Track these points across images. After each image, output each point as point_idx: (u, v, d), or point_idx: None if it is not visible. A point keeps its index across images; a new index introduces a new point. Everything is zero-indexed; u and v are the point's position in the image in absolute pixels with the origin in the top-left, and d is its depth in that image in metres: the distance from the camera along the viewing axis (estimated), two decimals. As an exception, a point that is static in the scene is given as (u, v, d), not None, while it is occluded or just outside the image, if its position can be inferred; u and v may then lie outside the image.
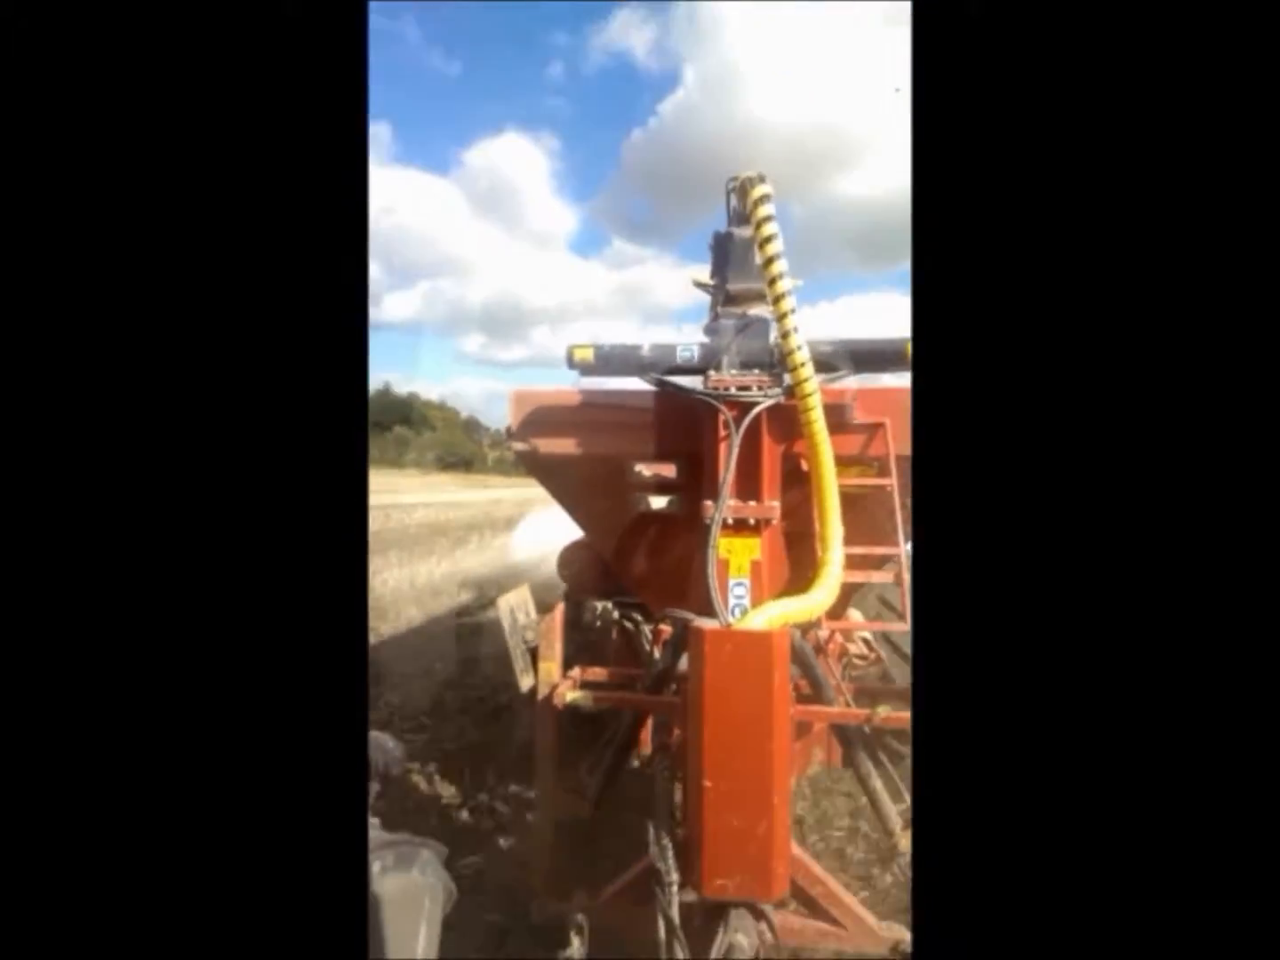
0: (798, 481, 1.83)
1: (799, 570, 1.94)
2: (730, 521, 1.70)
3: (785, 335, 1.56)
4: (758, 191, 1.61)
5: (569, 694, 1.77)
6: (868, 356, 1.81)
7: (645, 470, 2.35)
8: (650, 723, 1.91)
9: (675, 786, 1.59)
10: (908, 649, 2.03)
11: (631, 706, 1.77)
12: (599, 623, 2.56)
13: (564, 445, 2.08)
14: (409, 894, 0.80)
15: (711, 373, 1.78)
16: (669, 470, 2.29)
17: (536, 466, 2.22)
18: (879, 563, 1.86)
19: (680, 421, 1.89)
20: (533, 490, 3.15)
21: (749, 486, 1.74)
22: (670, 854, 1.37)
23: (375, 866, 0.76)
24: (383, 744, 1.13)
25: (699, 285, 2.31)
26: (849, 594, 2.09)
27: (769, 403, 1.71)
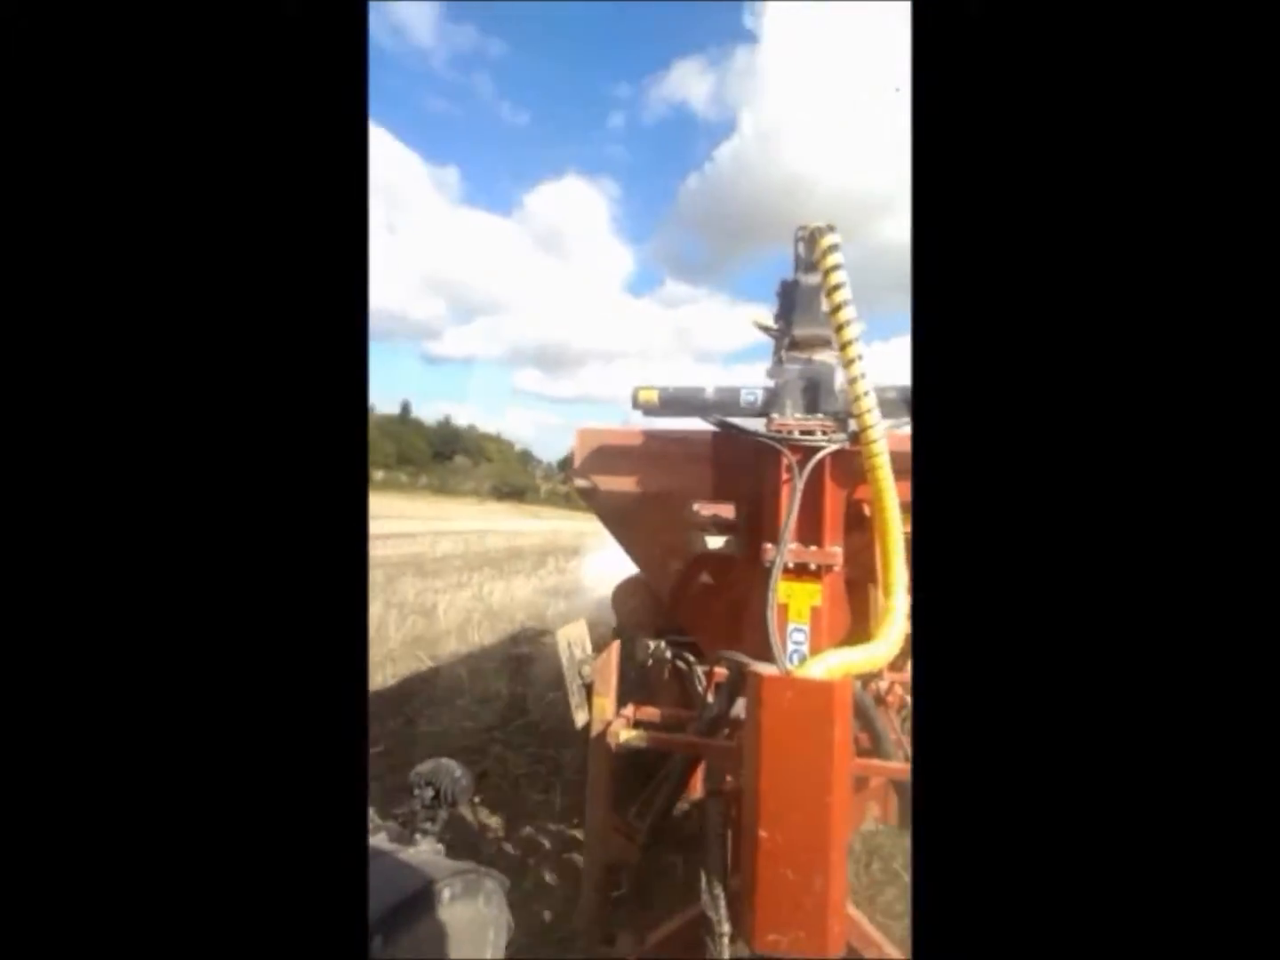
0: (860, 527, 1.80)
1: (859, 618, 1.91)
2: (791, 566, 1.69)
3: (853, 381, 1.56)
4: (826, 241, 1.64)
5: (622, 733, 1.76)
6: None
7: (703, 510, 2.36)
8: (702, 766, 1.88)
9: (728, 834, 1.56)
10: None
11: (686, 749, 1.76)
12: (650, 661, 2.55)
13: (624, 483, 2.12)
14: (476, 924, 0.80)
15: (775, 416, 1.80)
16: (727, 511, 2.30)
17: (596, 502, 2.26)
18: None
19: (742, 464, 1.91)
20: (588, 523, 3.20)
21: (811, 531, 1.73)
22: (722, 903, 1.34)
23: (445, 894, 0.76)
24: (450, 771, 1.16)
25: (761, 328, 2.34)
26: (910, 645, 2.04)
27: (834, 447, 1.71)
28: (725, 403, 1.89)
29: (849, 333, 1.57)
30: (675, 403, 1.95)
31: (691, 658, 2.45)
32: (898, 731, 1.95)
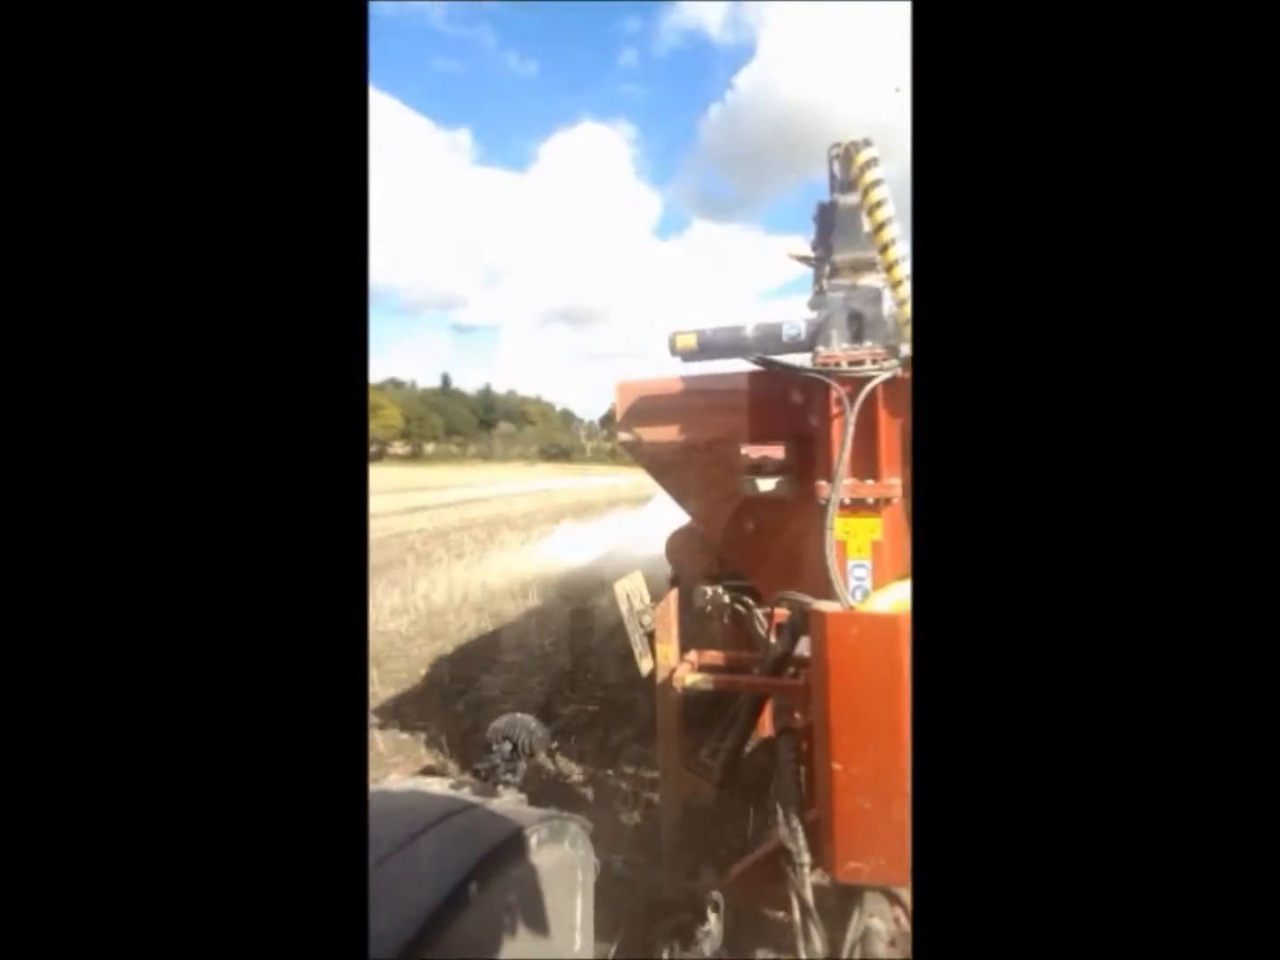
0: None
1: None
2: (848, 502, 1.65)
3: (902, 303, 1.49)
4: (863, 156, 1.55)
5: (688, 677, 1.79)
6: None
7: (752, 453, 2.33)
8: (770, 705, 1.90)
9: (800, 769, 1.57)
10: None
11: (752, 689, 1.77)
12: (709, 607, 2.57)
13: (667, 433, 2.09)
14: (564, 867, 0.83)
15: (820, 348, 1.73)
16: (777, 451, 2.26)
17: (642, 455, 2.24)
18: None
19: (789, 401, 1.86)
20: (640, 476, 3.23)
21: (867, 465, 1.68)
22: (801, 835, 1.36)
23: (533, 840, 0.79)
24: (526, 724, 1.19)
25: (798, 259, 2.24)
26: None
27: (885, 376, 1.64)
28: (767, 340, 1.83)
29: (894, 252, 1.49)
30: (714, 345, 1.90)
31: (750, 601, 2.45)
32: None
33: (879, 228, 1.51)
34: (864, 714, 1.31)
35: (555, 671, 4.23)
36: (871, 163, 1.54)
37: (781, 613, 2.03)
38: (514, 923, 0.74)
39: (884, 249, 1.50)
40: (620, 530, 10.13)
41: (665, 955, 1.42)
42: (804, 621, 1.54)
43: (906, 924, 1.35)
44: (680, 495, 2.46)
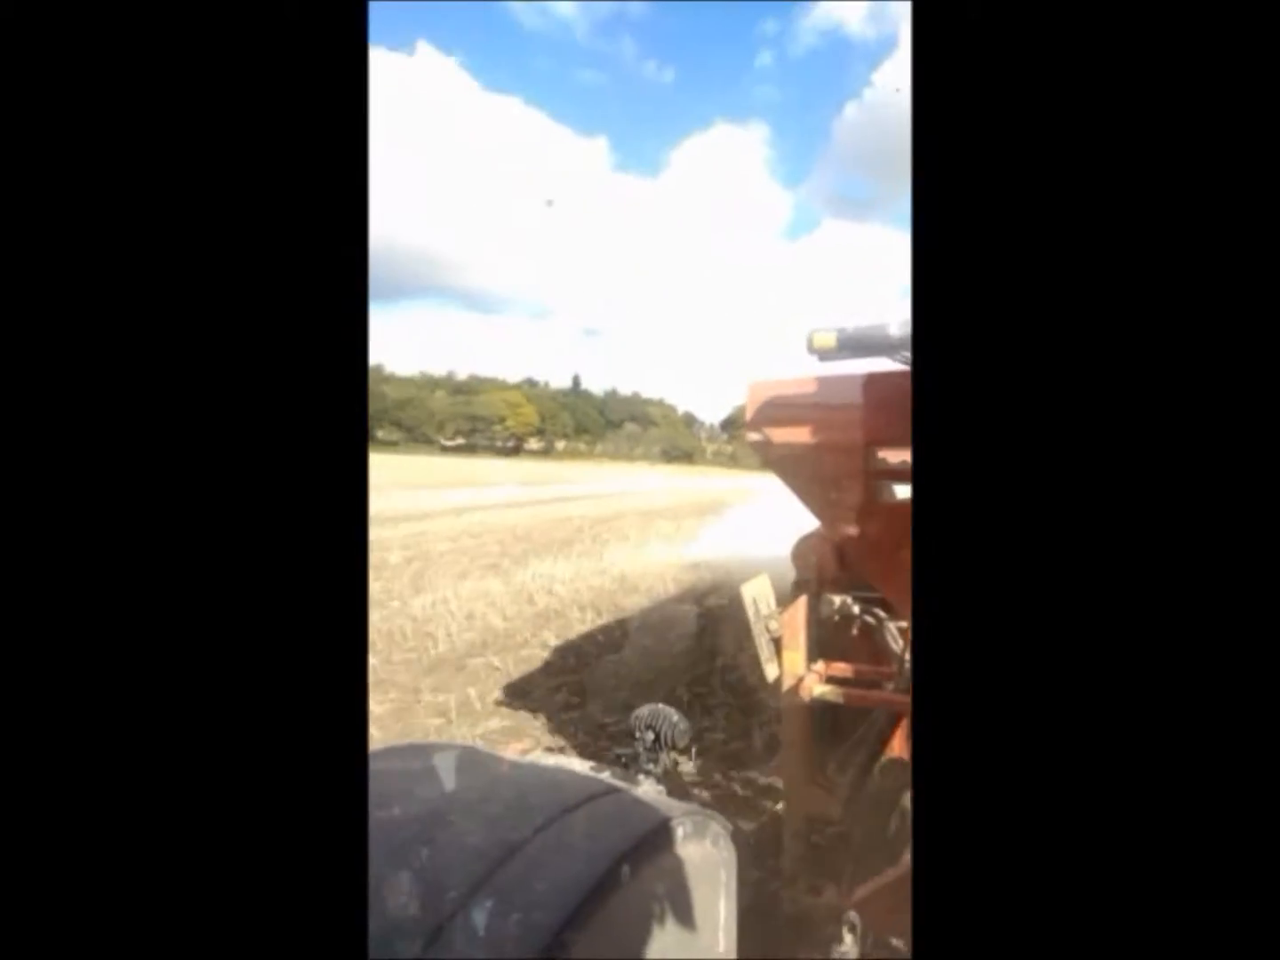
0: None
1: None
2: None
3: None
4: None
5: (816, 688, 1.73)
6: None
7: (890, 457, 2.22)
8: (904, 724, 1.80)
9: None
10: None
11: (888, 706, 1.69)
12: (837, 617, 2.47)
13: (799, 434, 2.03)
14: (709, 864, 0.81)
15: (971, 347, 1.62)
16: (917, 456, 2.13)
17: (770, 456, 2.20)
18: None
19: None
20: (764, 480, 3.18)
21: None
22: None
23: (679, 832, 0.78)
24: (669, 716, 1.20)
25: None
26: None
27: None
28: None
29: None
30: (855, 343, 1.82)
31: (883, 614, 2.33)
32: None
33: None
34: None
35: (683, 667, 4.27)
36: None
37: (918, 627, 1.91)
38: (662, 913, 0.74)
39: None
40: (745, 531, 10.12)
41: None
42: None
43: None
44: (809, 499, 2.38)
